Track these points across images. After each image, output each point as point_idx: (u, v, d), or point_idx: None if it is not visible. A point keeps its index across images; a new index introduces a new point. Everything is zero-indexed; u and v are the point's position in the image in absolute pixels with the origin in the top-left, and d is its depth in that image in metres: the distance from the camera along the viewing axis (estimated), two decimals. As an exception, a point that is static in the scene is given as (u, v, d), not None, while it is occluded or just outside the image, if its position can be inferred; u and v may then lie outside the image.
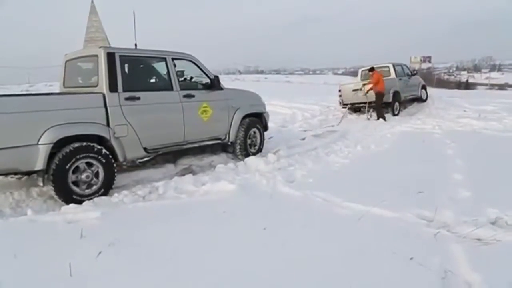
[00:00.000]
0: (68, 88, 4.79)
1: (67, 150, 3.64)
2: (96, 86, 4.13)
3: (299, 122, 9.94)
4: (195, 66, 5.17)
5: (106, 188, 3.96)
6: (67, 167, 3.64)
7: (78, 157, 3.71)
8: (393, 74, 11.42)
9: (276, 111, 10.93)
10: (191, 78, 5.36)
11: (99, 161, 3.88)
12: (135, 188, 4.14)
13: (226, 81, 6.53)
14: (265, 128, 6.26)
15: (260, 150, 6.05)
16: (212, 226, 2.90)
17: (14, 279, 2.15)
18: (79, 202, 3.61)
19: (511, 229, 2.70)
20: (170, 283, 2.10)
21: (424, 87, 13.47)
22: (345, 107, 11.32)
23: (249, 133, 5.81)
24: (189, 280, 2.12)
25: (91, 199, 3.72)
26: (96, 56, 4.17)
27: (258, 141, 6.05)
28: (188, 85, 5.17)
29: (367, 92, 10.18)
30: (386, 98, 10.48)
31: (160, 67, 4.92)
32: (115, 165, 4.07)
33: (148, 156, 4.53)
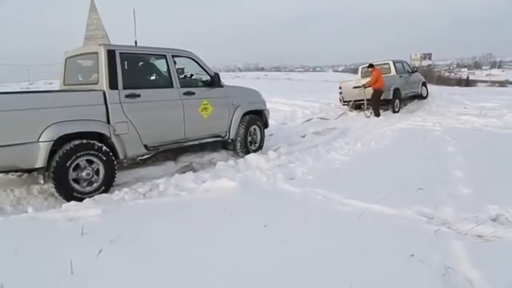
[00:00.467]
0: (68, 85, 4.78)
1: (68, 148, 3.64)
2: (96, 83, 4.13)
3: (300, 119, 9.94)
4: (195, 64, 5.16)
5: (107, 186, 3.96)
6: (68, 164, 3.65)
7: (78, 154, 3.71)
8: (393, 71, 11.40)
9: (277, 108, 10.93)
10: (191, 75, 5.35)
11: (100, 158, 3.89)
12: (136, 185, 4.14)
13: (226, 79, 6.51)
14: (266, 125, 6.26)
15: (260, 147, 6.05)
16: (212, 224, 2.91)
17: (15, 276, 2.16)
18: (80, 199, 3.61)
19: (511, 225, 2.70)
20: (171, 280, 2.10)
21: (424, 84, 13.45)
22: (346, 104, 11.32)
23: (250, 130, 5.81)
24: (190, 277, 2.13)
25: (92, 196, 3.72)
26: (96, 53, 4.17)
27: (259, 138, 6.05)
28: (188, 82, 5.16)
29: (365, 87, 10.18)
30: (387, 95, 10.48)
31: (160, 65, 4.92)
32: (115, 162, 4.07)
33: (149, 154, 4.53)
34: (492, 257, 2.23)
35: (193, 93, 4.92)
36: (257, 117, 5.98)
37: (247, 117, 5.73)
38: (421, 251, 2.28)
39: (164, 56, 4.76)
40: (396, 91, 10.88)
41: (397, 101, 10.94)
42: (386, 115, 10.21)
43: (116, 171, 4.09)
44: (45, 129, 3.50)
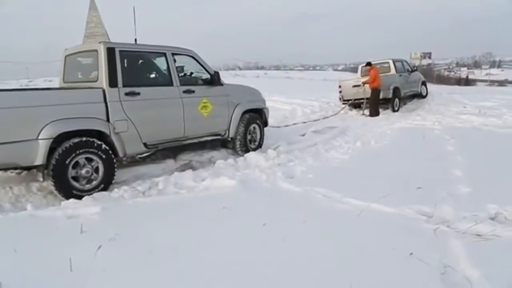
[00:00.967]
0: (68, 83, 4.78)
1: (67, 145, 3.64)
2: (96, 81, 4.12)
3: (299, 118, 9.93)
4: (195, 62, 5.16)
5: (106, 184, 3.96)
6: (67, 162, 3.64)
7: (78, 152, 3.71)
8: (393, 70, 11.40)
9: (276, 107, 10.92)
10: (191, 73, 5.34)
11: (99, 156, 3.88)
12: (135, 183, 4.14)
13: (226, 77, 6.51)
14: (265, 123, 6.26)
15: (260, 146, 6.05)
16: (212, 222, 2.91)
17: (14, 274, 2.16)
18: (79, 197, 3.61)
19: (510, 224, 2.71)
20: (170, 278, 2.11)
21: (424, 83, 13.46)
22: (345, 103, 11.33)
23: (249, 129, 5.81)
24: (189, 275, 2.13)
25: (91, 194, 3.72)
26: (96, 51, 4.16)
27: (258, 136, 6.05)
28: (188, 80, 5.15)
29: (364, 84, 10.19)
30: (386, 94, 10.49)
31: (160, 63, 4.91)
32: (115, 160, 4.06)
33: (148, 152, 4.52)
34: (491, 255, 2.24)
35: (193, 91, 4.92)
36: (256, 116, 5.98)
37: (247, 115, 5.73)
38: (420, 250, 2.29)
39: (164, 54, 4.75)
40: (396, 90, 10.88)
41: (396, 100, 10.95)
42: (386, 114, 10.22)
43: (116, 169, 4.09)
44: (44, 127, 3.50)
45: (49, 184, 3.72)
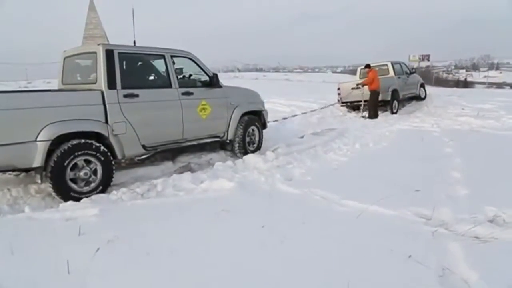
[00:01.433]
0: (66, 85, 4.78)
1: (65, 147, 3.63)
2: (95, 83, 4.12)
3: (298, 120, 9.94)
4: (194, 64, 5.16)
5: (105, 186, 3.96)
6: (65, 164, 3.63)
7: (76, 154, 3.70)
8: (391, 73, 11.44)
9: (275, 109, 10.93)
10: (190, 75, 5.35)
11: (98, 158, 3.88)
12: (134, 185, 4.13)
13: (225, 79, 6.51)
14: (264, 126, 6.26)
15: (258, 148, 6.05)
16: (210, 224, 2.90)
17: (11, 276, 2.15)
18: (77, 199, 3.61)
19: (508, 227, 2.71)
20: (169, 281, 2.10)
21: (422, 86, 13.49)
22: (344, 105, 11.34)
23: (248, 131, 5.81)
24: (188, 278, 2.12)
25: (89, 196, 3.72)
26: (95, 53, 4.16)
27: (257, 139, 6.05)
28: (187, 82, 5.16)
29: (362, 85, 10.22)
30: (385, 96, 10.52)
31: (159, 65, 4.91)
32: (113, 162, 4.06)
33: (147, 154, 4.52)
34: (489, 258, 2.24)
35: (192, 94, 4.92)
36: (255, 118, 5.99)
37: (246, 117, 5.73)
38: (418, 252, 2.29)
39: (163, 56, 4.75)
40: (395, 92, 10.91)
41: (395, 102, 10.98)
42: (385, 116, 10.24)
43: (114, 171, 4.08)
44: (43, 129, 3.49)
45: (47, 186, 3.71)
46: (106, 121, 3.99)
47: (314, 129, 8.31)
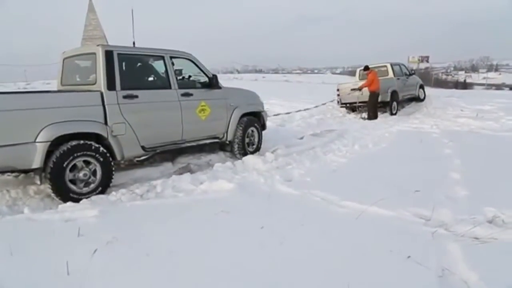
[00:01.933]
0: (65, 86, 4.77)
1: (65, 148, 3.63)
2: (94, 84, 4.12)
3: (297, 121, 9.94)
4: (193, 65, 5.16)
5: (104, 187, 3.95)
6: (65, 165, 3.63)
7: (75, 155, 3.70)
8: (391, 74, 11.46)
9: (274, 110, 10.93)
10: (189, 76, 5.35)
11: (97, 159, 3.87)
12: (133, 186, 4.13)
13: (224, 80, 6.52)
14: (263, 127, 6.26)
15: (258, 149, 6.05)
16: (210, 225, 2.90)
17: (11, 277, 2.14)
18: (77, 200, 3.60)
19: (508, 227, 2.71)
20: (168, 282, 2.10)
21: (422, 87, 13.51)
22: (343, 107, 11.35)
23: (247, 132, 5.81)
24: (187, 279, 2.12)
25: (89, 197, 3.71)
26: (94, 54, 4.16)
27: (256, 140, 6.05)
28: (186, 83, 5.16)
29: (361, 88, 10.24)
30: (384, 98, 10.53)
31: (158, 66, 4.91)
32: (112, 163, 4.05)
33: (146, 155, 4.51)
34: (489, 259, 2.24)
35: (191, 95, 4.92)
36: (255, 119, 5.99)
37: (245, 118, 5.73)
38: (418, 253, 2.29)
39: (162, 57, 4.75)
40: (394, 93, 10.93)
41: (394, 103, 11.00)
42: (384, 117, 10.25)
43: (113, 172, 4.08)
44: (42, 130, 3.48)
45: (46, 187, 3.71)
46: (106, 122, 3.98)
47: (314, 130, 8.32)
